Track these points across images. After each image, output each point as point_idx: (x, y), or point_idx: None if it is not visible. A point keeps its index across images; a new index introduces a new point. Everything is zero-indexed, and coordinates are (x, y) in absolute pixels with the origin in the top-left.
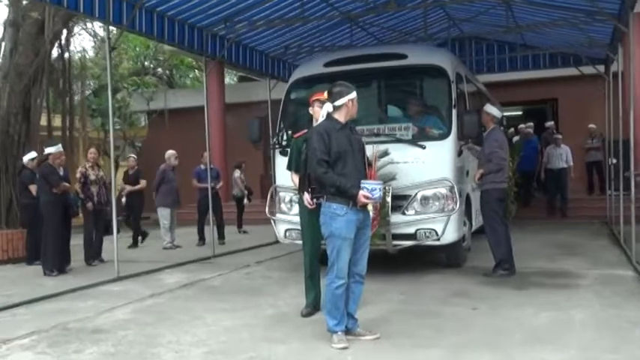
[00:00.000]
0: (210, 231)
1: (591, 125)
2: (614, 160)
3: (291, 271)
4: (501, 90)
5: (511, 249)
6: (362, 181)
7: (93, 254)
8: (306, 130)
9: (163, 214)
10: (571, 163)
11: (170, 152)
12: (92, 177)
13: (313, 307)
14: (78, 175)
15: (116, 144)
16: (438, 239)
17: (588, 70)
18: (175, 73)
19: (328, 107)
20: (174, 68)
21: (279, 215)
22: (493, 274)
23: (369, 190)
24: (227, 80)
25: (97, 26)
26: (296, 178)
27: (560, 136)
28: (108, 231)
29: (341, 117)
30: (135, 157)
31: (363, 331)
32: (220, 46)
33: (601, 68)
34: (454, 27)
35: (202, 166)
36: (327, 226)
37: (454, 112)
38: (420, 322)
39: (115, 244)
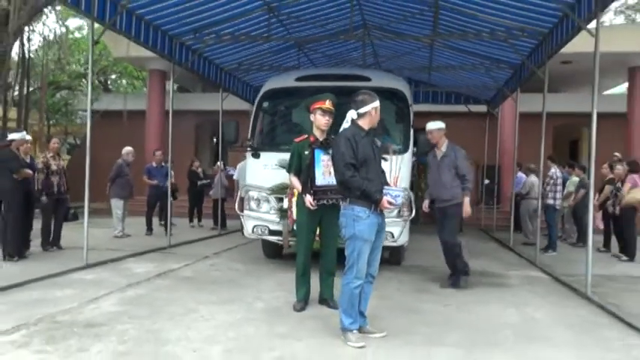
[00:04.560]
0: (168, 223)
1: None
2: (487, 181)
3: (253, 263)
4: None
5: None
6: (386, 187)
7: (51, 240)
8: (306, 136)
9: (117, 205)
10: None
11: (128, 149)
12: (54, 167)
13: (305, 303)
14: (40, 165)
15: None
16: (395, 241)
17: (475, 108)
18: (110, 79)
19: (352, 114)
20: (118, 74)
21: (247, 212)
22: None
23: (393, 196)
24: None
25: (52, 23)
26: (294, 180)
27: None
28: (67, 218)
29: (365, 124)
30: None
31: (372, 328)
32: (185, 55)
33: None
34: (376, 61)
35: (154, 164)
36: (349, 227)
37: (411, 131)
38: (409, 318)
39: (85, 230)
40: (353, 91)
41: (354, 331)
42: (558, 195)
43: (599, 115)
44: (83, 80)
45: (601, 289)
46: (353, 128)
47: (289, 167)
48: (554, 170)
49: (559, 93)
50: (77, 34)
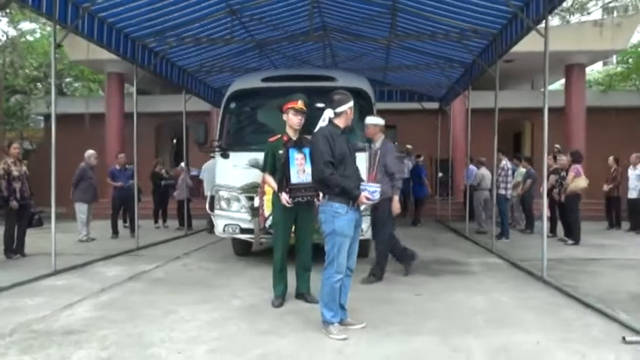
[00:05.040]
0: (135, 225)
1: (409, 145)
2: (441, 174)
3: (224, 262)
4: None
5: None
6: (363, 183)
7: (15, 248)
8: (279, 135)
9: (81, 209)
10: None
11: (90, 152)
12: (15, 173)
13: (283, 299)
14: (0, 172)
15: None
16: (363, 235)
17: (428, 105)
18: (64, 83)
19: (329, 113)
20: (73, 78)
21: (218, 211)
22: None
23: (370, 192)
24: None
25: (4, 26)
26: (269, 179)
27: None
28: (32, 223)
29: (340, 123)
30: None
31: (352, 320)
32: (148, 58)
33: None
34: (335, 62)
35: (117, 166)
36: (328, 224)
37: None
38: (384, 309)
39: (52, 235)
40: (319, 91)
41: (336, 324)
42: (509, 186)
43: (541, 109)
44: (38, 84)
45: (555, 272)
46: (330, 127)
47: (264, 166)
48: (505, 162)
49: (502, 90)
50: (29, 38)
